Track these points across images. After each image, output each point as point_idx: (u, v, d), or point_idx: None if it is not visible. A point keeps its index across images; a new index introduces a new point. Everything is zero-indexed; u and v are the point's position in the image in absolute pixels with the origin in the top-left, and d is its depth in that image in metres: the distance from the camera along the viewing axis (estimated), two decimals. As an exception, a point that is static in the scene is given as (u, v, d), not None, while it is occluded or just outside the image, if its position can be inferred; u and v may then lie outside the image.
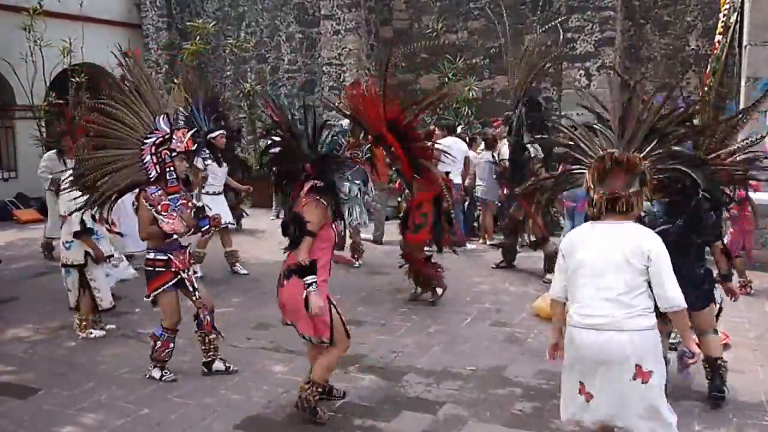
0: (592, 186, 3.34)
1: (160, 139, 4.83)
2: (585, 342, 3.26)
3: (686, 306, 3.25)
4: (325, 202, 4.22)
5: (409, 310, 6.82)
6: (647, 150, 3.78)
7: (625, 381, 3.20)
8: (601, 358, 3.22)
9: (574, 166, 4.17)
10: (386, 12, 14.49)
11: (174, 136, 4.84)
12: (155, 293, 4.91)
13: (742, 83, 9.05)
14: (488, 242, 9.97)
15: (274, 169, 4.76)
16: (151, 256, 4.89)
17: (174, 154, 4.83)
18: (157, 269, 4.88)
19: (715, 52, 10.47)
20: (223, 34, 15.67)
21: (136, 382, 4.98)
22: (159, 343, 5.00)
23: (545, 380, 4.96)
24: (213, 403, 4.64)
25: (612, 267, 3.23)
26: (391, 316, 6.65)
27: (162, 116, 4.88)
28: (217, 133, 8.06)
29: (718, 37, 10.48)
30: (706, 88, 10.67)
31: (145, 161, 4.82)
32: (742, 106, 8.97)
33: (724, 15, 10.42)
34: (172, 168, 4.84)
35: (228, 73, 15.94)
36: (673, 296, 3.20)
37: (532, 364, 5.27)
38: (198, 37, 14.13)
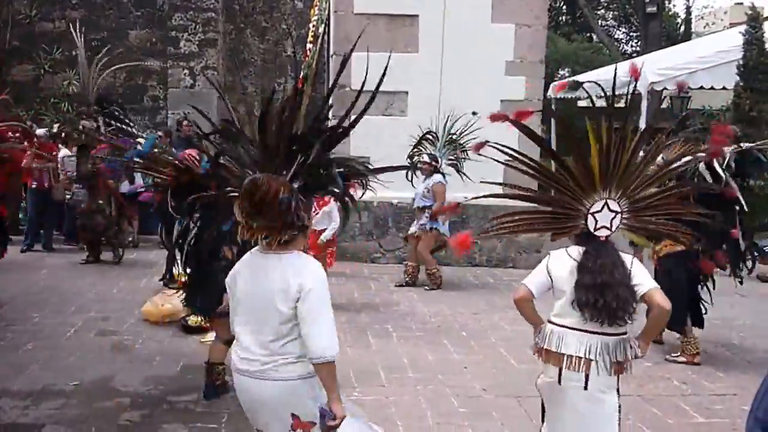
0: (242, 220, 2.71)
1: None
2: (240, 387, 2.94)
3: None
4: None
5: (1, 329, 6.09)
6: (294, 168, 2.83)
7: None
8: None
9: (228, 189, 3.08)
10: (-36, -9, 12.55)
11: None
12: None
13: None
14: None
15: None
16: None
17: None
18: None
19: (307, 59, 11.46)
20: None
21: None
22: None
23: (153, 386, 4.94)
24: None
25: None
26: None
27: None
28: None
29: (309, 46, 11.48)
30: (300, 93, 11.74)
31: None
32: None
33: (313, 25, 11.45)
34: None
35: None
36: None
37: (140, 371, 5.19)
38: None
